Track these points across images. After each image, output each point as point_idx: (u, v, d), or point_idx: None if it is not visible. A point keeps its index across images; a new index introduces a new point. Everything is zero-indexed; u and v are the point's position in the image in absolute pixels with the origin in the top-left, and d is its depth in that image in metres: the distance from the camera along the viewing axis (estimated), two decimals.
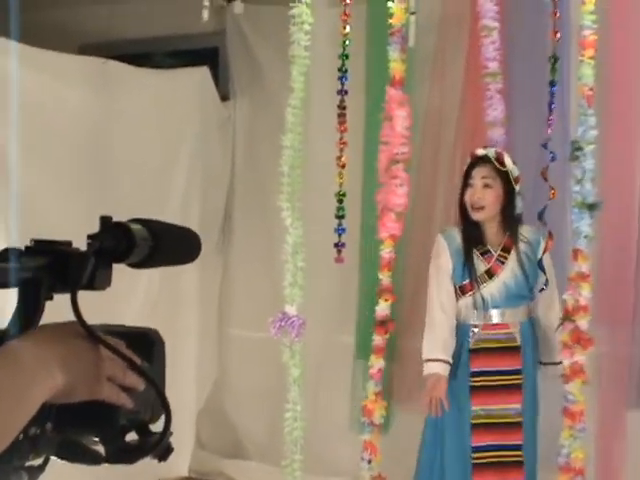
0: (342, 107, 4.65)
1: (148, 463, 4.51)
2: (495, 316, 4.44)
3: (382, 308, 4.75)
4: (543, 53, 4.76)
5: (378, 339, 4.77)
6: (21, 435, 1.13)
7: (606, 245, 4.85)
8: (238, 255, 6.41)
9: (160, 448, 1.25)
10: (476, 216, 4.38)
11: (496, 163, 4.37)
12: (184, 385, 5.84)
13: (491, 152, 4.42)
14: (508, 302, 4.43)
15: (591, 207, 4.33)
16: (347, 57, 4.64)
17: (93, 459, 1.24)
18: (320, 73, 5.16)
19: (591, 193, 4.35)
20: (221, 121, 6.31)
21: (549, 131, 4.57)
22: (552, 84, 4.61)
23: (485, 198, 4.36)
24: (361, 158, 5.46)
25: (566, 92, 4.90)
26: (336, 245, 4.66)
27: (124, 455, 1.23)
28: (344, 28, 4.61)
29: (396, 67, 4.62)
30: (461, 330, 4.47)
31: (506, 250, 4.43)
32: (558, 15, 4.47)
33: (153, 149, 5.55)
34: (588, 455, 4.52)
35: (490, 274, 4.43)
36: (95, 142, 5.12)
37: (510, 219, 4.42)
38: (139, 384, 1.21)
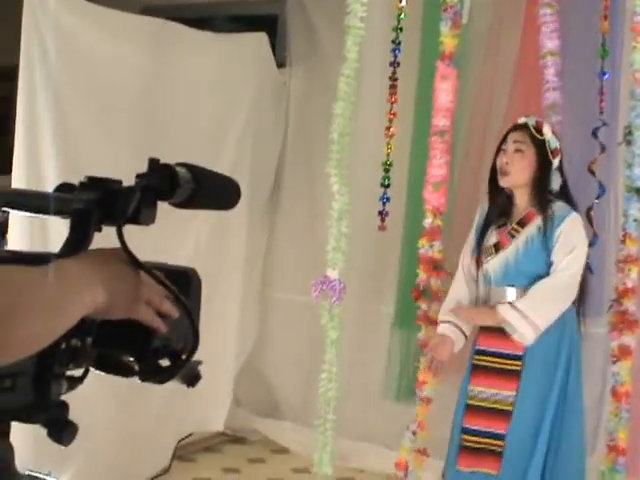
0: (394, 79, 4.74)
1: (184, 417, 4.68)
2: (496, 294, 4.23)
3: (423, 280, 4.81)
4: (595, 40, 4.80)
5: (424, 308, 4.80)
6: (63, 344, 1.24)
7: None
8: (285, 220, 6.51)
9: (189, 374, 1.35)
10: (501, 182, 4.21)
11: (533, 130, 4.19)
12: (225, 344, 5.96)
13: (531, 120, 4.25)
14: (509, 280, 4.19)
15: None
16: (401, 30, 4.72)
17: (126, 372, 1.34)
18: (374, 44, 5.25)
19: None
20: (277, 87, 6.39)
21: (600, 118, 4.62)
22: (603, 73, 4.66)
23: (513, 164, 4.17)
24: (410, 130, 5.53)
25: (617, 78, 4.94)
26: (380, 213, 4.75)
27: (154, 375, 1.32)
28: (399, 1, 4.69)
29: (447, 42, 4.67)
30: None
31: (521, 224, 4.20)
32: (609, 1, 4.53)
33: (208, 111, 5.64)
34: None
35: (497, 248, 4.25)
36: (152, 101, 5.21)
37: (540, 191, 4.19)
38: (173, 312, 1.31)
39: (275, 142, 6.42)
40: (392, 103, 4.75)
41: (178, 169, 1.33)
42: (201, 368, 1.39)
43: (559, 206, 4.17)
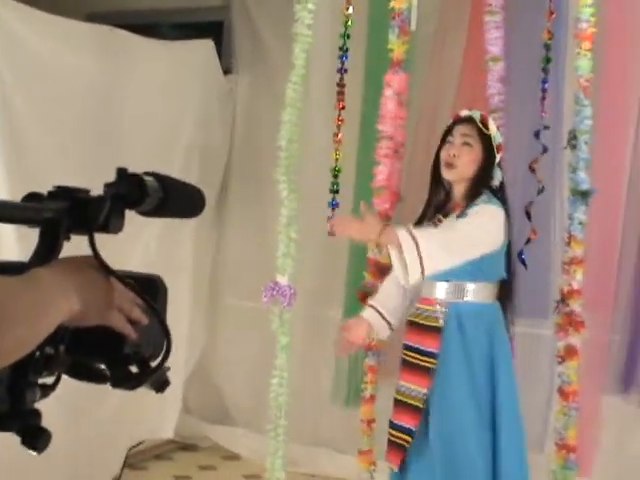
0: (341, 85, 4.78)
1: (134, 425, 4.66)
2: (426, 288, 4.11)
3: (369, 282, 4.83)
4: (541, 43, 4.87)
5: None
6: (37, 353, 1.26)
7: (591, 233, 4.94)
8: (233, 226, 6.53)
9: (158, 380, 1.38)
10: (447, 174, 4.09)
11: (480, 125, 4.09)
12: (174, 350, 5.95)
13: (476, 114, 4.15)
14: (439, 276, 4.00)
15: (584, 194, 4.42)
16: (348, 37, 4.76)
17: (98, 379, 1.36)
18: (321, 51, 5.30)
19: (585, 181, 4.44)
20: (223, 94, 6.41)
21: (541, 122, 4.70)
22: (544, 72, 4.74)
23: (461, 157, 4.05)
24: (357, 136, 5.57)
25: (561, 83, 5.02)
26: (329, 219, 4.79)
27: (125, 381, 1.35)
28: (347, 9, 4.73)
29: (396, 49, 4.71)
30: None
31: (445, 215, 4.11)
32: (553, 4, 4.61)
33: (156, 117, 5.64)
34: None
35: None
36: (99, 108, 5.20)
37: (479, 186, 4.08)
38: (143, 319, 1.34)
39: (222, 148, 6.44)
40: (340, 109, 4.79)
41: (146, 178, 1.36)
42: (169, 374, 1.40)
43: (484, 199, 4.05)
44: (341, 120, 4.79)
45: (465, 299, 4.05)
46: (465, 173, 4.07)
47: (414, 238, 3.78)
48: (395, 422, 4.10)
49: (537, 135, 4.66)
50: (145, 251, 5.58)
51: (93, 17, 6.42)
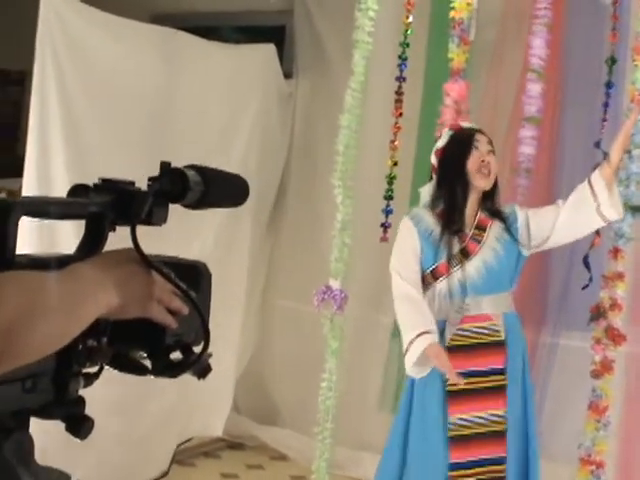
0: (399, 93, 4.81)
1: (185, 422, 4.74)
2: (474, 305, 3.95)
3: None
4: (599, 55, 4.87)
5: None
6: (80, 345, 1.31)
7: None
8: (289, 229, 6.58)
9: (199, 367, 1.41)
10: (484, 182, 3.98)
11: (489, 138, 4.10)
12: (226, 350, 6.00)
13: (475, 126, 4.20)
14: (489, 287, 3.95)
15: (634, 209, 4.42)
16: (408, 45, 4.79)
17: (139, 371, 1.40)
18: (381, 59, 5.32)
19: (635, 195, 4.44)
20: (283, 98, 6.47)
21: (602, 131, 4.70)
22: (608, 85, 4.73)
23: (492, 164, 4.00)
24: (414, 143, 5.59)
25: (620, 95, 5.01)
26: (382, 225, 4.82)
27: (167, 370, 1.38)
28: (407, 17, 4.76)
29: (456, 58, 4.73)
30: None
31: (481, 228, 4.01)
32: (617, 18, 4.60)
33: (215, 120, 5.71)
34: (609, 451, 4.57)
35: (466, 253, 3.98)
36: (161, 108, 5.28)
37: (494, 194, 4.07)
38: (183, 309, 1.36)
39: (280, 151, 6.50)
40: (397, 117, 4.82)
41: (188, 172, 1.39)
42: (211, 360, 1.44)
43: (501, 207, 4.11)
44: (398, 127, 4.82)
45: (509, 310, 4.04)
46: (492, 182, 4.03)
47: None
48: (477, 459, 3.88)
49: (598, 145, 4.66)
50: (201, 252, 5.64)
51: (157, 18, 6.51)
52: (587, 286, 4.54)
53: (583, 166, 4.89)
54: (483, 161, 3.97)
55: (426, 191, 4.17)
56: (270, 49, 6.18)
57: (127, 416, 5.12)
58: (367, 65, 4.70)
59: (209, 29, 6.57)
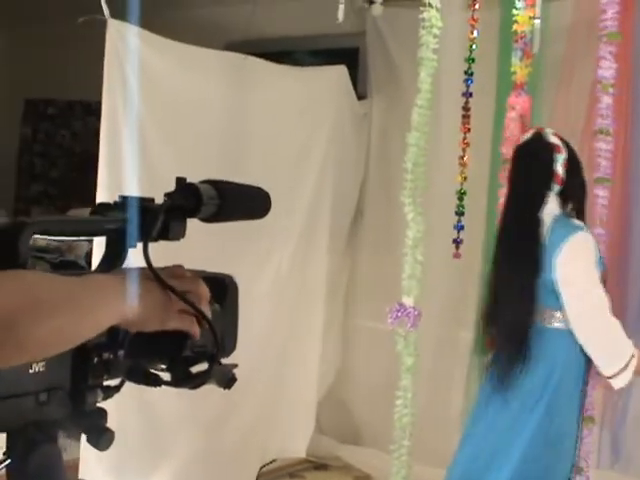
0: (466, 109, 4.81)
1: (267, 442, 4.77)
2: None
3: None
4: None
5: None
6: (96, 358, 1.34)
7: None
8: (367, 248, 6.61)
9: (224, 378, 1.45)
10: None
11: None
12: (307, 371, 6.05)
13: None
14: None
15: None
16: (473, 61, 4.79)
17: (153, 382, 1.42)
18: (451, 76, 5.34)
19: None
20: (357, 118, 6.50)
21: None
22: None
23: None
24: (489, 159, 5.58)
25: None
26: (454, 241, 4.81)
27: (187, 381, 1.41)
28: (471, 33, 4.77)
29: (518, 72, 4.71)
30: None
31: None
32: None
33: (288, 143, 5.77)
34: None
35: None
36: (234, 135, 5.36)
37: None
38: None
39: (356, 171, 6.53)
40: (465, 132, 4.81)
41: (202, 186, 1.43)
42: (236, 371, 1.48)
43: None
44: (466, 143, 4.82)
45: None
46: None
47: None
48: None
49: None
50: (277, 272, 5.69)
51: (231, 46, 6.59)
52: None
53: None
54: None
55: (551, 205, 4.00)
56: (341, 70, 6.22)
57: (209, 436, 5.18)
58: (433, 82, 4.71)
59: (283, 54, 6.65)
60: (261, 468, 5.75)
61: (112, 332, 1.34)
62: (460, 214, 4.81)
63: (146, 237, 1.37)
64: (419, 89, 4.71)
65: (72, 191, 8.27)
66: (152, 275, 1.33)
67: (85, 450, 4.44)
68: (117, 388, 1.42)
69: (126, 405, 4.64)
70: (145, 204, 1.41)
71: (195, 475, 5.11)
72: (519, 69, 4.67)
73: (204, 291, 1.40)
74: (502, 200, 4.62)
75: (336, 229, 6.24)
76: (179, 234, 1.44)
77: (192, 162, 5.07)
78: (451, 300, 5.95)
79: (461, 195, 4.82)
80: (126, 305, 1.29)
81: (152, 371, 1.43)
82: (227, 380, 1.47)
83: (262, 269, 5.57)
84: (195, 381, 1.41)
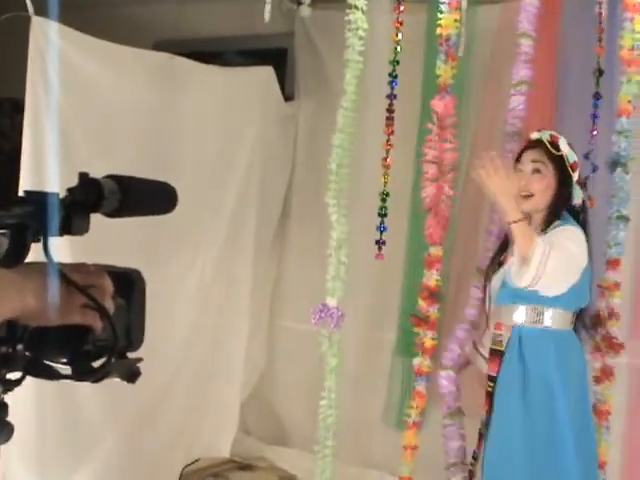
0: (390, 111, 4.82)
1: (190, 442, 4.78)
2: (494, 312, 4.23)
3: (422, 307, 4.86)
4: (592, 63, 4.90)
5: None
6: None
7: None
8: (293, 249, 6.61)
9: (127, 372, 1.44)
10: (524, 206, 3.97)
11: (549, 146, 4.05)
12: (231, 371, 6.06)
13: (545, 135, 4.12)
14: (503, 298, 4.14)
15: (623, 218, 4.45)
16: (398, 63, 4.80)
17: (52, 376, 1.42)
18: (377, 78, 5.37)
19: (626, 205, 4.47)
20: (284, 119, 6.50)
21: (592, 142, 4.72)
22: (596, 97, 4.75)
23: (533, 185, 4.03)
24: (413, 161, 5.62)
25: (616, 106, 5.01)
26: (377, 242, 4.82)
27: (87, 375, 1.41)
28: (396, 35, 4.79)
29: (443, 74, 4.76)
30: None
31: None
32: (603, 30, 4.62)
33: (215, 143, 5.75)
34: (613, 457, 4.66)
35: (500, 264, 4.21)
36: (159, 135, 5.32)
37: (556, 213, 4.03)
38: (110, 312, 1.39)
39: (283, 173, 6.53)
40: (389, 134, 4.83)
41: (104, 181, 1.43)
42: (140, 365, 1.47)
43: (560, 223, 4.01)
44: (390, 145, 4.83)
45: (543, 324, 4.03)
46: (541, 202, 4.05)
47: (547, 253, 3.74)
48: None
49: (587, 156, 4.68)
50: (201, 274, 5.68)
51: (160, 45, 6.56)
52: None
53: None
54: (522, 185, 4.01)
55: None
56: (268, 71, 6.21)
57: (131, 436, 5.15)
58: (359, 84, 4.74)
59: (212, 54, 6.63)
60: (184, 468, 5.73)
61: (10, 326, 1.34)
62: (383, 215, 4.82)
63: (46, 231, 1.37)
64: (345, 91, 4.73)
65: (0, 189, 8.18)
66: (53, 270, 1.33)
67: (6, 450, 4.40)
68: (18, 382, 1.41)
69: (47, 405, 4.61)
70: (47, 199, 1.41)
71: (118, 475, 5.08)
72: (444, 71, 4.72)
73: (107, 285, 1.40)
74: (426, 201, 4.69)
75: (262, 231, 6.24)
76: (82, 229, 1.44)
77: (117, 162, 5.03)
78: (374, 301, 5.97)
79: (384, 196, 4.83)
80: (20, 300, 1.29)
81: (50, 364, 1.42)
82: (131, 374, 1.46)
83: (187, 270, 5.56)
84: (96, 375, 1.40)
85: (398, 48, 4.78)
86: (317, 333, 4.98)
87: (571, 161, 4.08)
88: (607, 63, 4.84)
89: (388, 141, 4.81)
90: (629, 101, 4.45)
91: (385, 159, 4.82)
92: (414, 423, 4.77)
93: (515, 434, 3.99)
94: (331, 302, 4.75)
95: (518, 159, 4.15)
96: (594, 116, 4.77)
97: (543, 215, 4.06)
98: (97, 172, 4.46)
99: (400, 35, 4.78)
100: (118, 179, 1.45)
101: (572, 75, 5.33)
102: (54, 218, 1.38)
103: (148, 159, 5.17)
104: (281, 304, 6.59)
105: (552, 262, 3.76)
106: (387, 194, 4.83)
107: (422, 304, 4.83)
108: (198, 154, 5.56)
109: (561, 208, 4.05)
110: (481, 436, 4.22)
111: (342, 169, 4.69)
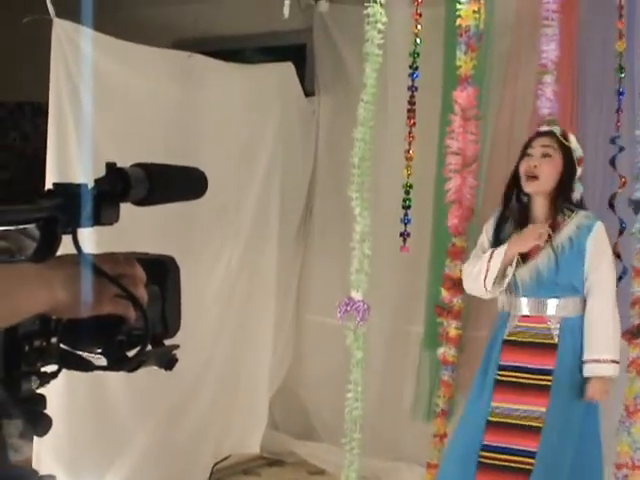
0: (412, 103, 4.83)
1: (220, 439, 4.80)
2: (526, 305, 4.21)
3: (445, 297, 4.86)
4: (613, 52, 4.88)
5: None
6: (27, 347, 1.35)
7: None
8: (318, 243, 6.61)
9: (164, 359, 1.44)
10: (529, 187, 4.17)
11: (560, 137, 4.21)
12: (259, 367, 6.06)
13: (556, 128, 4.27)
14: (541, 291, 4.17)
15: (638, 204, 4.45)
16: (418, 55, 4.82)
17: (85, 367, 1.42)
18: (397, 71, 5.38)
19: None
20: (305, 115, 6.51)
21: (618, 129, 4.70)
22: (620, 93, 4.73)
23: (542, 168, 4.16)
24: (435, 152, 5.61)
25: (637, 92, 4.99)
26: (401, 234, 4.83)
27: (122, 365, 1.40)
28: (415, 27, 4.80)
29: (464, 66, 4.76)
30: (499, 319, 4.37)
31: (554, 230, 4.15)
32: (624, 24, 4.61)
33: (236, 139, 5.77)
34: None
35: (525, 256, 4.19)
36: (181, 133, 5.34)
37: (563, 198, 4.19)
38: (144, 301, 1.38)
39: (305, 167, 6.54)
40: (411, 126, 4.84)
41: (130, 170, 1.41)
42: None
43: (583, 214, 4.19)
44: (412, 137, 4.84)
45: (571, 314, 4.15)
46: (547, 185, 4.18)
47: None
48: (503, 445, 4.11)
49: (613, 141, 4.67)
50: (227, 268, 5.70)
51: (179, 44, 6.58)
52: (621, 278, 4.46)
53: (603, 165, 4.91)
54: (532, 166, 4.16)
55: None
56: (288, 67, 6.24)
57: (162, 433, 5.18)
58: (378, 77, 4.75)
59: (232, 52, 6.64)
60: (215, 465, 5.75)
61: (43, 319, 1.35)
62: (407, 207, 4.83)
63: (75, 223, 1.37)
64: (364, 84, 4.74)
65: (22, 193, 8.21)
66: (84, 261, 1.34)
67: (39, 445, 4.42)
68: (54, 374, 1.42)
69: (78, 397, 4.64)
70: (76, 190, 1.39)
71: (149, 471, 5.10)
72: (464, 63, 4.73)
73: (139, 273, 1.39)
74: (449, 193, 4.69)
75: (286, 225, 6.26)
76: (112, 219, 1.43)
77: (140, 160, 5.05)
78: (400, 294, 5.97)
79: (407, 189, 4.84)
80: (50, 294, 1.29)
81: (84, 356, 1.43)
82: (168, 361, 1.45)
83: (213, 266, 5.58)
84: (131, 364, 1.40)
85: (418, 40, 4.78)
86: (344, 327, 5.00)
87: (577, 155, 4.24)
88: (628, 56, 4.80)
89: (410, 133, 4.82)
90: None
91: (407, 151, 4.83)
92: (442, 411, 4.78)
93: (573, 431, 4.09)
94: (356, 295, 4.76)
95: (528, 144, 4.27)
96: (618, 110, 4.73)
97: (549, 200, 4.20)
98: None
99: (420, 27, 4.78)
100: (145, 167, 1.43)
101: (593, 63, 5.31)
102: (84, 209, 1.38)
103: (171, 157, 5.14)
104: (308, 298, 6.59)
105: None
106: (411, 186, 4.84)
107: (445, 294, 4.83)
108: (220, 151, 5.58)
109: (564, 196, 4.19)
110: (538, 431, 4.08)
111: (364, 162, 4.71)
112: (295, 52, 6.78)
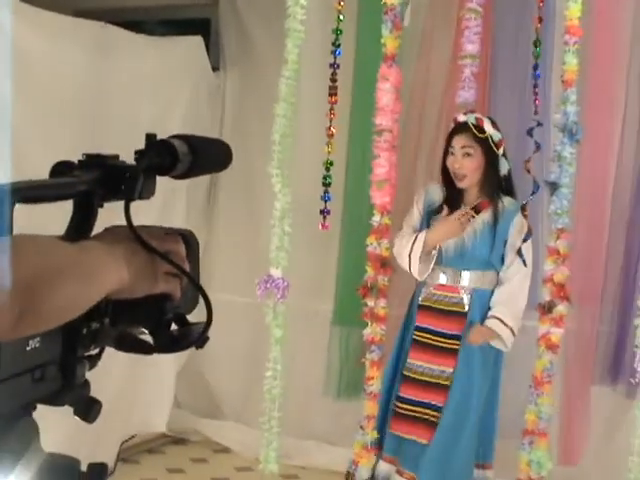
0: (333, 80, 4.79)
1: (127, 419, 4.69)
2: (444, 276, 4.58)
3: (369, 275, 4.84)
4: (528, 39, 4.92)
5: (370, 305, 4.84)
6: (85, 329, 1.28)
7: (578, 226, 5.01)
8: (223, 222, 6.52)
9: (200, 338, 1.37)
10: (460, 184, 4.53)
11: (475, 131, 4.48)
12: None
13: (471, 118, 4.53)
14: (462, 263, 4.56)
15: (553, 185, 4.53)
16: (341, 32, 4.78)
17: (143, 349, 1.36)
18: (312, 47, 5.33)
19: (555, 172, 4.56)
20: (212, 90, 6.43)
21: (535, 116, 4.74)
22: (535, 68, 4.78)
23: (465, 167, 4.50)
24: (347, 130, 5.60)
25: (548, 78, 5.07)
26: (322, 212, 4.80)
27: (171, 345, 1.35)
28: (339, 4, 4.76)
29: (388, 44, 4.74)
30: (418, 286, 4.68)
31: (476, 211, 4.53)
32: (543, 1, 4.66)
33: (145, 113, 5.63)
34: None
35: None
36: (90, 102, 5.20)
37: (490, 185, 4.55)
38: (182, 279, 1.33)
39: None
40: (332, 103, 4.81)
41: (176, 143, 1.35)
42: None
43: (508, 201, 4.57)
44: (333, 114, 4.81)
45: (483, 287, 4.55)
46: (474, 179, 4.55)
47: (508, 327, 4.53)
48: (413, 398, 4.54)
49: (530, 132, 4.70)
50: None
51: (80, 13, 6.39)
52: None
53: (515, 148, 4.96)
54: (456, 167, 4.51)
55: None
56: (197, 41, 6.15)
57: (67, 415, 5.05)
58: (300, 53, 4.71)
59: (133, 23, 6.48)
60: (122, 444, 5.65)
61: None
62: (327, 185, 4.80)
63: (128, 198, 1.28)
64: (285, 60, 4.71)
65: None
66: (133, 237, 1.26)
67: None
68: (98, 356, 1.35)
69: None
70: (118, 163, 1.33)
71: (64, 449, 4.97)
72: (389, 41, 4.70)
73: (182, 250, 1.34)
74: (380, 171, 4.69)
75: (192, 203, 6.17)
76: (150, 193, 1.36)
77: (49, 129, 4.91)
78: (311, 272, 5.94)
79: (328, 166, 4.81)
80: (124, 271, 1.23)
81: (139, 337, 1.36)
82: (202, 339, 1.38)
83: None
84: (180, 344, 1.35)
85: (341, 17, 4.75)
86: (250, 305, 4.96)
87: (495, 140, 4.52)
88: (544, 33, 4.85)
89: (331, 110, 4.79)
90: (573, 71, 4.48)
91: (328, 128, 4.80)
92: (373, 394, 4.74)
93: (475, 392, 4.51)
94: (276, 273, 4.73)
95: (449, 143, 4.56)
96: (535, 86, 4.77)
97: (477, 189, 4.58)
98: (34, 138, 4.33)
99: (342, 3, 4.75)
100: (186, 139, 1.38)
101: (504, 48, 5.38)
102: (135, 183, 1.30)
103: (80, 128, 5.05)
104: (213, 275, 6.50)
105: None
106: (331, 163, 4.81)
107: (371, 273, 4.77)
108: (130, 123, 5.42)
109: (492, 181, 4.56)
110: (446, 389, 4.50)
111: (285, 139, 4.69)
112: (197, 26, 6.68)
